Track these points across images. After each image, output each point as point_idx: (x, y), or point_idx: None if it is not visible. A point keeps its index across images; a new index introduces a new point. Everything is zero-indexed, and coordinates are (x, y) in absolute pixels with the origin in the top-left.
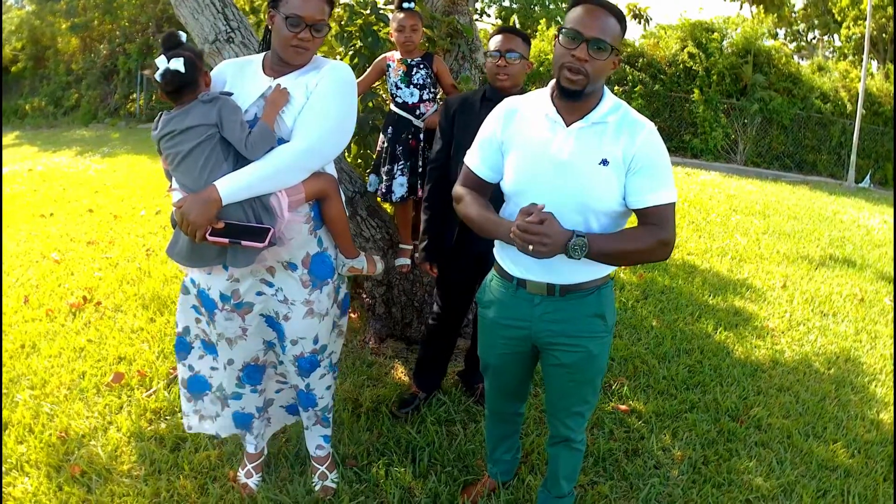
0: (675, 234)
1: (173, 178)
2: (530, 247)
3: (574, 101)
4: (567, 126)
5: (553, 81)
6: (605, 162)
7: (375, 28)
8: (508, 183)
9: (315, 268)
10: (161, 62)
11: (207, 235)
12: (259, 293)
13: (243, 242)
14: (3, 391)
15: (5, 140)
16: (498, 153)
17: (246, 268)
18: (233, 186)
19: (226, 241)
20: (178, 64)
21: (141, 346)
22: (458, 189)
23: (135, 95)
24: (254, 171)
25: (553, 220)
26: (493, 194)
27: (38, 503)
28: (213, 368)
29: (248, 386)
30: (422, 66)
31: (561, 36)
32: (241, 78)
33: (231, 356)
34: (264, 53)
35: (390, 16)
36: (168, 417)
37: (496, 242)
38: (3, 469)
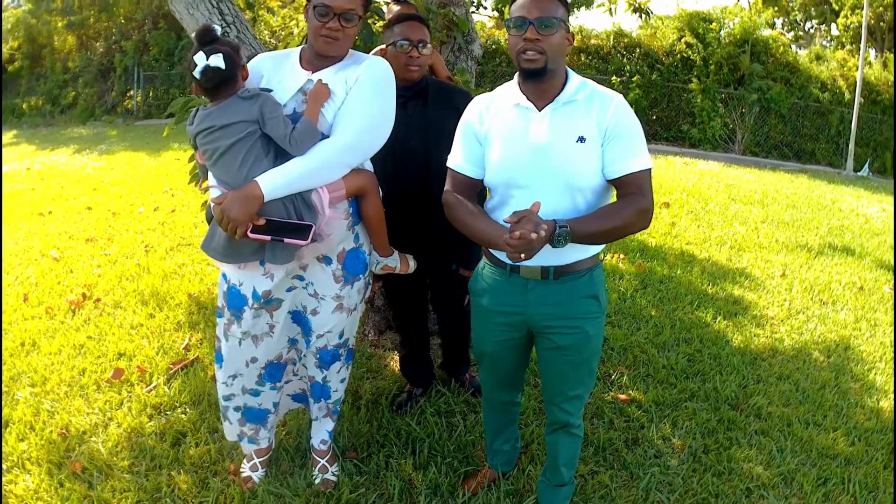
0: (653, 200)
1: (210, 174)
2: (521, 255)
3: (540, 81)
4: (539, 111)
5: (517, 73)
6: (581, 139)
7: (370, 21)
8: (492, 174)
9: (349, 263)
10: (200, 59)
11: (249, 233)
12: (289, 289)
13: (286, 240)
14: (4, 389)
15: (3, 139)
16: (478, 147)
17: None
18: (274, 183)
19: (267, 238)
20: (217, 60)
21: (141, 341)
22: (448, 196)
23: (132, 92)
24: (295, 168)
25: (531, 216)
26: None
27: (40, 500)
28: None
29: (268, 384)
30: None
31: (510, 27)
32: (278, 72)
33: (255, 354)
34: (301, 47)
35: (384, 8)
36: (168, 413)
37: None
38: (5, 467)
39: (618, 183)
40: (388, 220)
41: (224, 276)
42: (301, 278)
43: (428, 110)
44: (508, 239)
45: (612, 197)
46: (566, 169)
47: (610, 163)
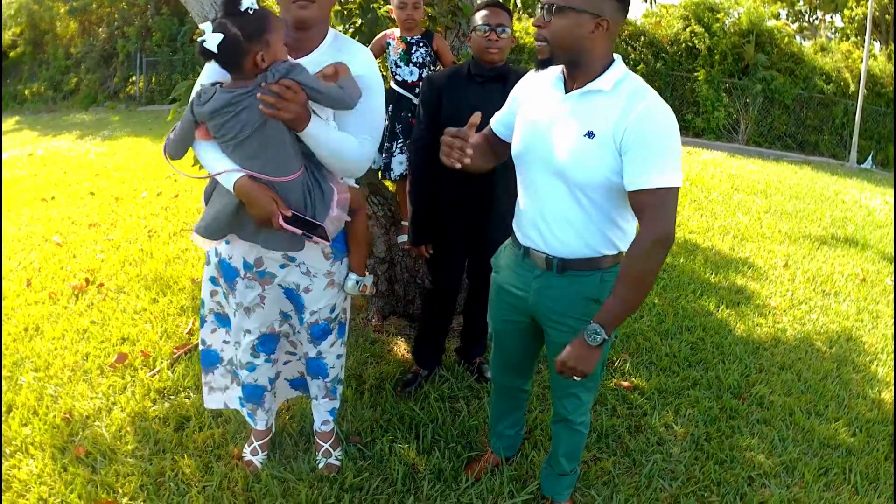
0: (673, 225)
1: (220, 159)
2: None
3: (544, 70)
4: (566, 94)
5: None
6: (590, 134)
7: (375, 5)
8: (512, 148)
9: (337, 240)
10: (207, 29)
11: (282, 222)
12: (282, 265)
13: (314, 237)
14: (7, 374)
15: (5, 125)
16: (511, 116)
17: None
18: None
19: (299, 231)
20: (212, 42)
21: (144, 326)
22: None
23: (134, 78)
24: (331, 133)
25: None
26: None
27: (44, 484)
28: (224, 342)
29: (263, 355)
30: (422, 44)
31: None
32: None
33: (248, 325)
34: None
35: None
36: (172, 397)
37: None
38: (9, 451)
39: (633, 200)
40: (451, 194)
41: (215, 250)
42: (293, 259)
43: (506, 93)
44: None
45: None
46: (563, 160)
47: (627, 174)
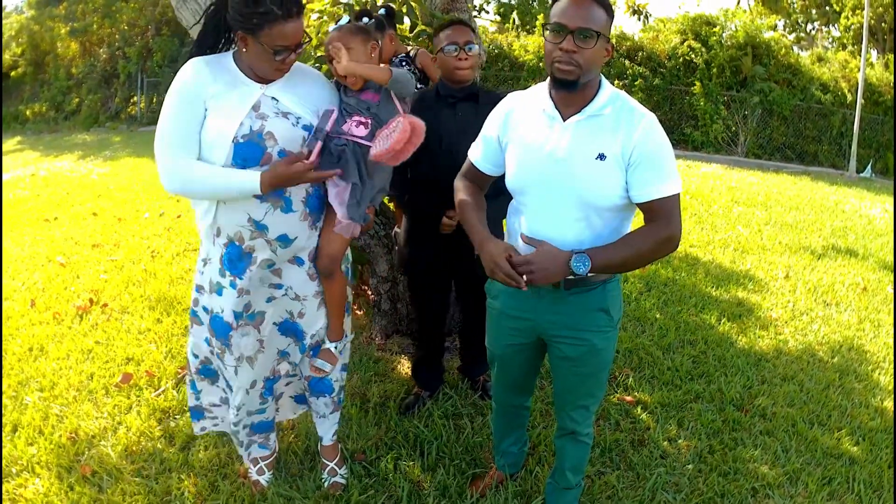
0: (681, 225)
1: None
2: (524, 279)
3: (570, 92)
4: (564, 121)
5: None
6: (601, 156)
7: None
8: (510, 180)
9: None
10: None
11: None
12: (269, 299)
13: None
14: (13, 394)
15: (7, 146)
16: (497, 149)
17: (255, 277)
18: None
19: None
20: None
21: (148, 346)
22: (458, 181)
23: (135, 99)
24: None
25: (548, 246)
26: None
27: (50, 503)
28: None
29: (269, 397)
30: (404, 64)
31: (547, 31)
32: (218, 83)
33: (254, 377)
34: (233, 51)
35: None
36: (177, 416)
37: (505, 233)
38: (15, 471)
39: (644, 208)
40: (433, 214)
41: (204, 307)
42: (279, 286)
43: (478, 114)
44: (504, 276)
45: (635, 215)
46: (581, 185)
47: (636, 187)
